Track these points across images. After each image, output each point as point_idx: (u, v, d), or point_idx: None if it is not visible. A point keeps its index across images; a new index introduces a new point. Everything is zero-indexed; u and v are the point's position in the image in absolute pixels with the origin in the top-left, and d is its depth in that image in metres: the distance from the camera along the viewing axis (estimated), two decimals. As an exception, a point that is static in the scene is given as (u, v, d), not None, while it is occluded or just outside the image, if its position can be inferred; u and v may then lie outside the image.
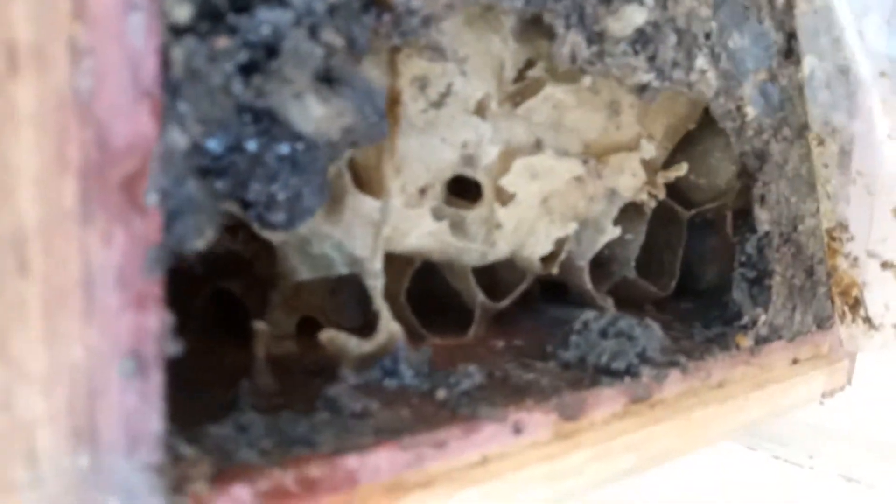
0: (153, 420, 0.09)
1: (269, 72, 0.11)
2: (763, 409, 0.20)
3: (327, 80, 0.12)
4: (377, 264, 0.15)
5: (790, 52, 0.20)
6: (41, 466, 0.09)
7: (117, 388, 0.09)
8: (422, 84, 0.15)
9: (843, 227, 0.21)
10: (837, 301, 0.23)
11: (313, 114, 0.11)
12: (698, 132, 0.21)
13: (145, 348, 0.09)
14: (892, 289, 0.21)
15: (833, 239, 0.22)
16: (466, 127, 0.16)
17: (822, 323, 0.24)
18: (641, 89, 0.17)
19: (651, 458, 0.16)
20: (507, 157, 0.17)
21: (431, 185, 0.16)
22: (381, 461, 0.12)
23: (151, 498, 0.09)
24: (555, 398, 0.15)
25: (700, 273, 0.24)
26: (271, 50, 0.11)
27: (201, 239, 0.10)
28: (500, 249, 0.18)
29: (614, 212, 0.20)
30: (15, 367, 0.08)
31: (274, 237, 0.15)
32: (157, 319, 0.09)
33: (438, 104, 0.15)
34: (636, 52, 0.16)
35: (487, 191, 0.17)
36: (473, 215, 0.17)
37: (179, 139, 0.10)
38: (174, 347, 0.09)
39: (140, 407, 0.09)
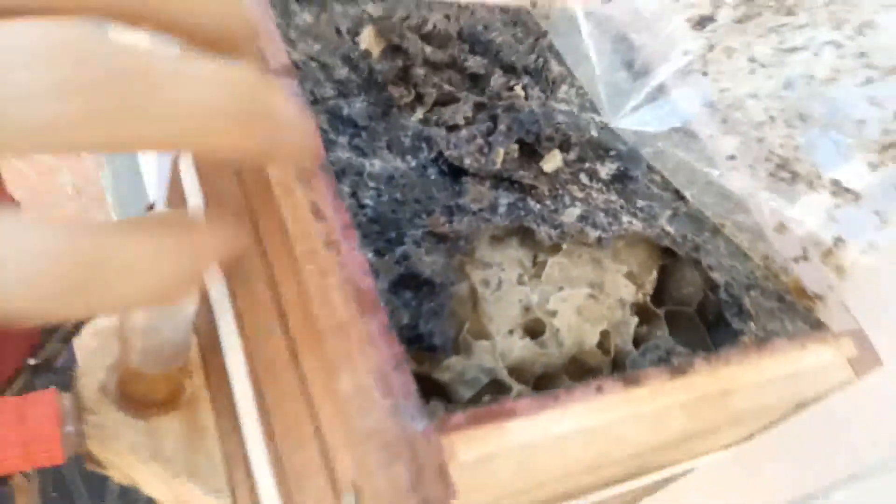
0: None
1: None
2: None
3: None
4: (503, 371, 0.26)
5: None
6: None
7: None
8: (484, 280, 0.28)
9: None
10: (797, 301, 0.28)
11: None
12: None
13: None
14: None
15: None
16: (519, 293, 0.28)
17: (816, 326, 0.28)
18: (598, 241, 0.29)
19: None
20: (545, 297, 0.29)
21: (513, 327, 0.28)
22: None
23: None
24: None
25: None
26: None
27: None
28: (568, 347, 0.28)
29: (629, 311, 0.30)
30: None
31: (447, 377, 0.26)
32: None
33: (499, 287, 0.28)
34: (584, 224, 0.29)
35: (542, 316, 0.28)
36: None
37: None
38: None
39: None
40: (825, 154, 0.28)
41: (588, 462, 0.22)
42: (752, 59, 0.30)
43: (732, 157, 0.30)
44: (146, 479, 0.33)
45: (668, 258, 0.32)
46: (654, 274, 0.31)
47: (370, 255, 0.24)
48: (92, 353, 0.34)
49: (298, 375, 0.22)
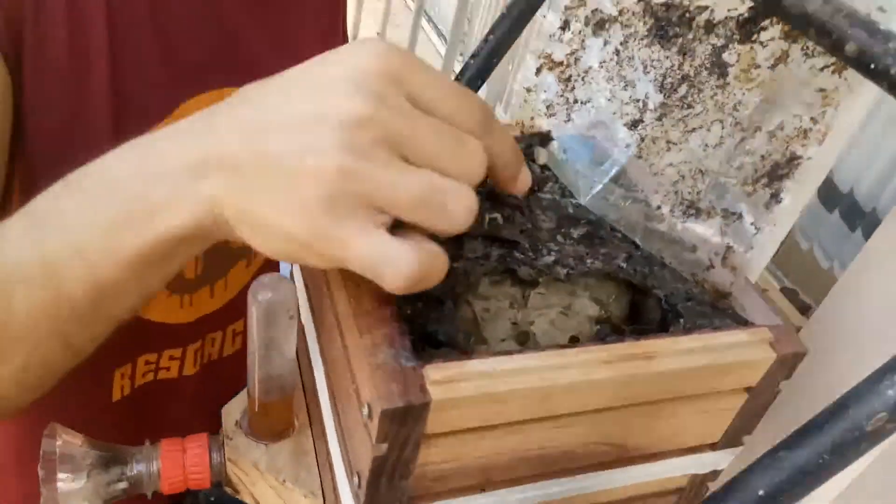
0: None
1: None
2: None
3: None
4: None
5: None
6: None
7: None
8: (485, 308, 0.40)
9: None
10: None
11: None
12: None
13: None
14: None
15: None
16: (509, 314, 0.40)
17: (741, 323, 0.37)
18: (567, 276, 0.40)
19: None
20: (528, 316, 0.40)
21: (505, 337, 0.39)
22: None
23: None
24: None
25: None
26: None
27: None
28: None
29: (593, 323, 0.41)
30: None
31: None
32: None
33: (495, 313, 0.40)
34: (556, 265, 0.40)
35: (525, 328, 0.40)
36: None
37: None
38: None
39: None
40: (717, 193, 0.39)
41: (532, 395, 0.33)
42: (668, 142, 0.43)
43: (659, 208, 0.41)
44: (264, 491, 0.45)
45: (636, 294, 0.42)
46: (623, 301, 0.42)
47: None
48: (234, 402, 0.48)
49: (344, 351, 0.35)
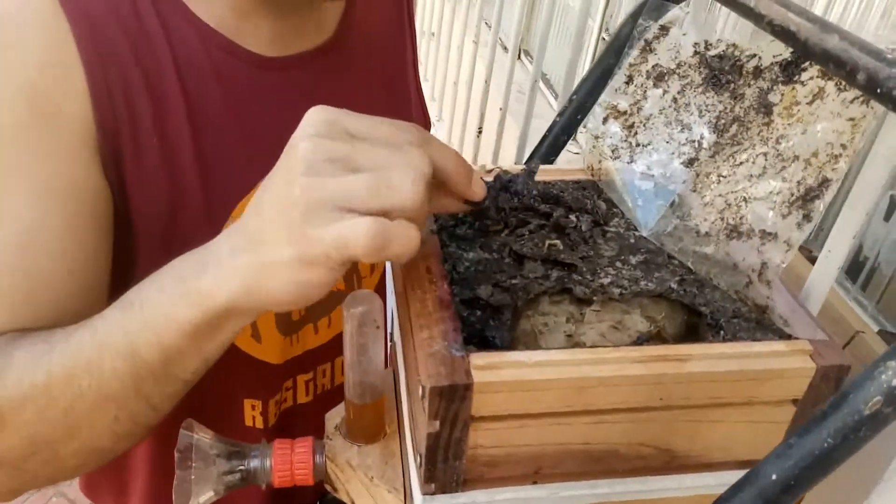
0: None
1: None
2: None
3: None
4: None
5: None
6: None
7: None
8: (543, 322, 0.46)
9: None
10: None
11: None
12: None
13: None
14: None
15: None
16: (565, 328, 0.45)
17: (784, 337, 0.40)
18: (619, 296, 0.44)
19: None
20: (581, 329, 0.45)
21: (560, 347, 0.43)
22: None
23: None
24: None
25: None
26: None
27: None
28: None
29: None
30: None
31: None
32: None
33: (552, 327, 0.45)
34: (610, 286, 0.44)
35: (577, 339, 0.45)
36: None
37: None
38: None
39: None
40: (756, 216, 0.42)
41: (567, 386, 0.37)
42: (719, 175, 0.46)
43: (707, 234, 0.45)
44: (356, 488, 0.52)
45: (691, 314, 0.45)
46: (678, 321, 0.45)
47: (455, 290, 0.43)
48: (335, 409, 0.55)
49: (412, 347, 0.41)
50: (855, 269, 0.84)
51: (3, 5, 0.47)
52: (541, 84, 1.65)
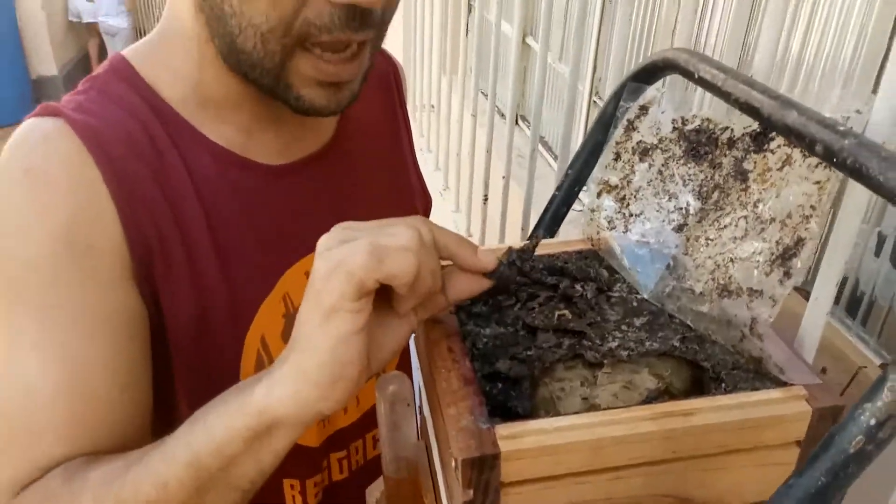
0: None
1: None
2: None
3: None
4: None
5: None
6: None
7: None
8: (560, 388, 0.50)
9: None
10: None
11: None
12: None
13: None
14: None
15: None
16: (581, 392, 0.49)
17: (779, 385, 0.44)
18: (627, 357, 0.48)
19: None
20: (596, 391, 0.48)
21: (577, 410, 0.46)
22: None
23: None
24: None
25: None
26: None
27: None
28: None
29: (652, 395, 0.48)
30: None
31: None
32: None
33: (568, 391, 0.49)
34: (618, 349, 0.48)
35: (593, 401, 0.48)
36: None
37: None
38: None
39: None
40: (742, 276, 0.46)
41: (585, 448, 0.41)
42: (707, 238, 0.51)
43: (701, 294, 0.49)
44: (401, 558, 0.55)
45: (695, 370, 0.49)
46: (684, 376, 0.49)
47: (476, 366, 0.47)
48: (375, 484, 0.59)
49: (441, 422, 0.45)
50: (853, 304, 0.87)
51: (35, 152, 0.52)
52: (539, 147, 1.72)
